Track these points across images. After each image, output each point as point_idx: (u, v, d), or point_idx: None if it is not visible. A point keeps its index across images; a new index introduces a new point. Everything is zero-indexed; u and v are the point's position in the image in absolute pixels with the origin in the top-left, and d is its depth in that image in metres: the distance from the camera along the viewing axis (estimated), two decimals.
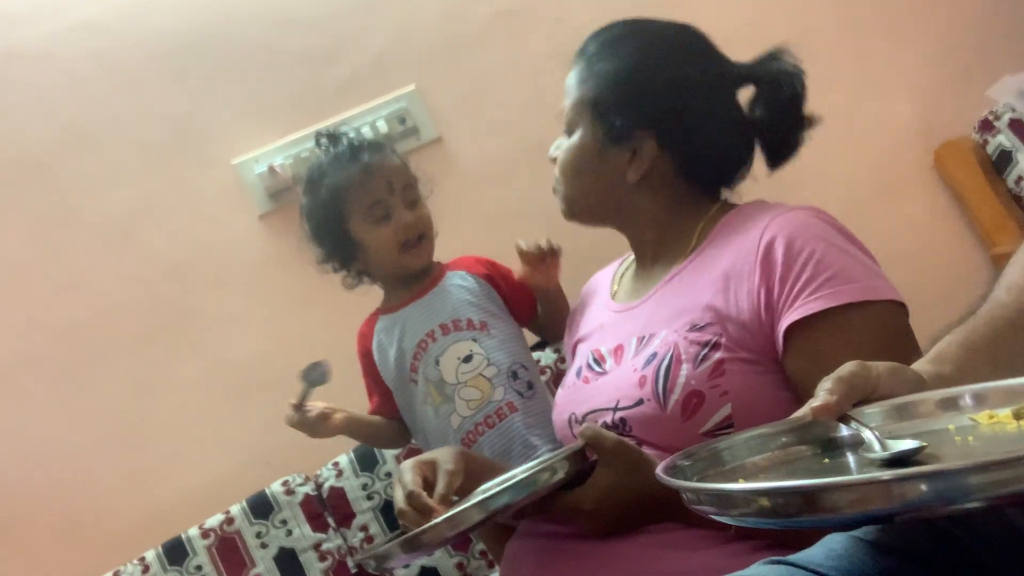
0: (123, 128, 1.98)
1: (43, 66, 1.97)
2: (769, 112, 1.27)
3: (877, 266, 1.12)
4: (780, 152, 1.29)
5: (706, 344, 1.11)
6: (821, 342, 1.05)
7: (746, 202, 1.27)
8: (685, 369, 1.10)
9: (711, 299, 1.13)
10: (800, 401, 1.04)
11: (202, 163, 1.99)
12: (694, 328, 1.13)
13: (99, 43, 1.98)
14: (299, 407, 1.49)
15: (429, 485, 1.11)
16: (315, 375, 1.49)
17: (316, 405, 1.50)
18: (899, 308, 1.08)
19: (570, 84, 1.31)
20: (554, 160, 1.34)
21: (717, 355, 1.09)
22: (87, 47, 1.97)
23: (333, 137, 1.56)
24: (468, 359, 1.47)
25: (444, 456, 1.16)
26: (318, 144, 1.57)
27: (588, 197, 1.31)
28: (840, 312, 1.04)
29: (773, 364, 1.09)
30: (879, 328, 1.05)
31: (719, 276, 1.15)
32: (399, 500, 1.09)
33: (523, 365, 1.52)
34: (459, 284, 1.55)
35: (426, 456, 1.18)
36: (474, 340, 1.48)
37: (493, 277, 1.58)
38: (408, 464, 1.15)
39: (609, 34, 1.30)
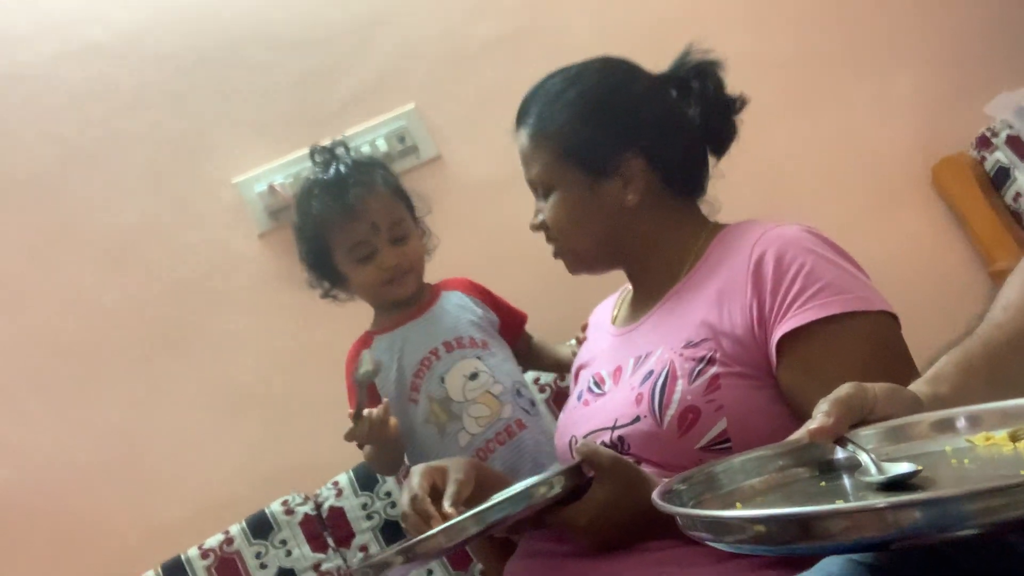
0: (124, 148, 1.99)
1: (45, 87, 1.98)
2: (701, 106, 1.30)
3: (868, 279, 1.13)
4: (722, 140, 1.33)
5: (701, 360, 1.11)
6: (814, 352, 1.05)
7: (737, 222, 1.28)
8: (681, 385, 1.11)
9: (705, 315, 1.15)
10: (794, 414, 1.06)
11: (202, 182, 1.99)
12: (689, 345, 1.14)
13: (100, 64, 1.99)
14: (358, 415, 1.34)
15: (438, 492, 1.12)
16: (367, 369, 1.35)
17: (372, 411, 1.36)
18: (891, 319, 1.09)
19: (528, 152, 1.30)
20: (539, 227, 1.33)
21: (712, 370, 1.10)
22: (88, 68, 1.99)
23: (326, 158, 1.54)
24: (474, 376, 1.46)
25: (455, 464, 1.18)
26: (312, 160, 1.56)
27: (595, 241, 1.29)
28: (832, 322, 1.05)
29: (768, 378, 1.10)
30: (871, 338, 1.07)
31: (712, 293, 1.16)
32: (404, 503, 1.11)
33: (523, 384, 1.53)
34: (457, 304, 1.55)
35: (437, 463, 1.19)
36: (478, 358, 1.48)
37: (487, 300, 1.59)
38: (418, 468, 1.16)
39: (545, 90, 1.31)
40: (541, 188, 1.31)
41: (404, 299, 1.52)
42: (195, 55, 2.01)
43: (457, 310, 1.54)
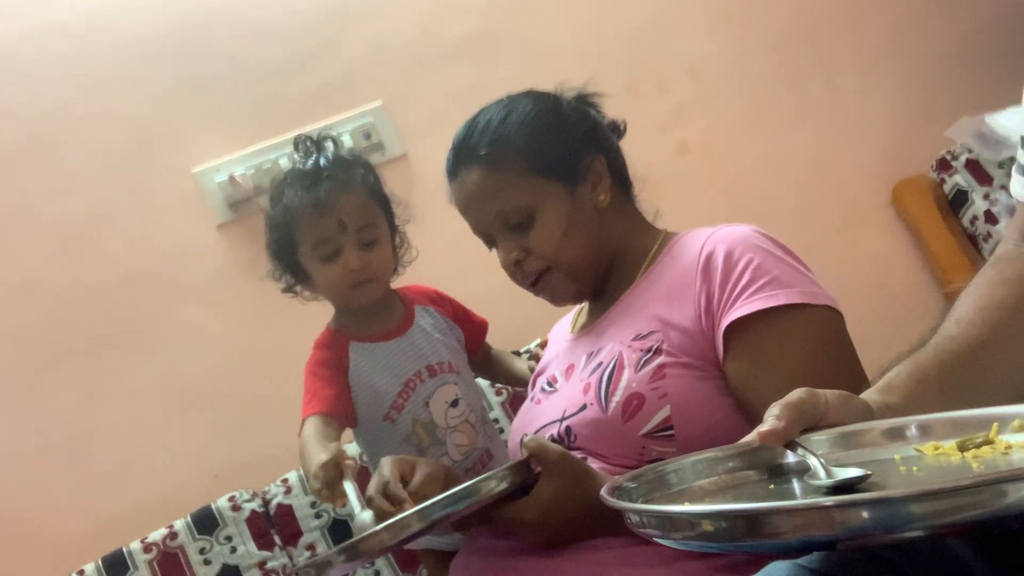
0: (84, 132, 1.95)
1: (4, 66, 1.94)
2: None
3: (814, 277, 1.14)
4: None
5: (648, 350, 1.13)
6: (760, 342, 1.07)
7: (692, 229, 1.29)
8: (627, 373, 1.12)
9: (655, 310, 1.16)
10: (739, 405, 1.08)
11: (162, 170, 1.97)
12: (638, 337, 1.15)
13: (63, 46, 1.96)
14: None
15: (406, 483, 1.13)
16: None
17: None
18: (836, 314, 1.11)
19: (486, 187, 1.24)
20: (519, 262, 1.26)
21: (659, 360, 1.11)
22: (51, 49, 1.95)
23: (309, 148, 1.47)
24: (455, 403, 1.44)
25: (424, 461, 1.18)
26: (296, 149, 1.48)
27: (586, 251, 1.25)
28: (778, 313, 1.07)
29: (714, 369, 1.11)
30: (816, 331, 1.08)
31: (663, 289, 1.18)
32: (372, 488, 1.10)
33: (485, 408, 1.53)
34: (431, 323, 1.51)
35: (408, 457, 1.19)
36: (455, 384, 1.45)
37: (455, 317, 1.55)
38: (389, 459, 1.16)
39: (483, 125, 1.26)
40: (515, 218, 1.23)
41: (365, 306, 1.45)
42: (159, 40, 1.98)
43: (432, 330, 1.50)
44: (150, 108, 1.98)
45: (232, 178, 1.94)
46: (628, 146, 1.35)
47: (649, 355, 1.12)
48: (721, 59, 2.16)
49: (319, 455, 1.19)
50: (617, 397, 1.11)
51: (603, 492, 0.70)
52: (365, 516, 1.12)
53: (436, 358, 1.46)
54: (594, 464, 1.10)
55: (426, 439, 1.42)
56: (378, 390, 1.42)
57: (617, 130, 1.34)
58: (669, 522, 0.61)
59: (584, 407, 1.15)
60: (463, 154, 1.27)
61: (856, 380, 1.03)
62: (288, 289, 1.50)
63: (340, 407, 1.39)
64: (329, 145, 1.48)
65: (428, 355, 1.45)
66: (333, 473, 1.16)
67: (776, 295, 1.07)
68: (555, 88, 1.32)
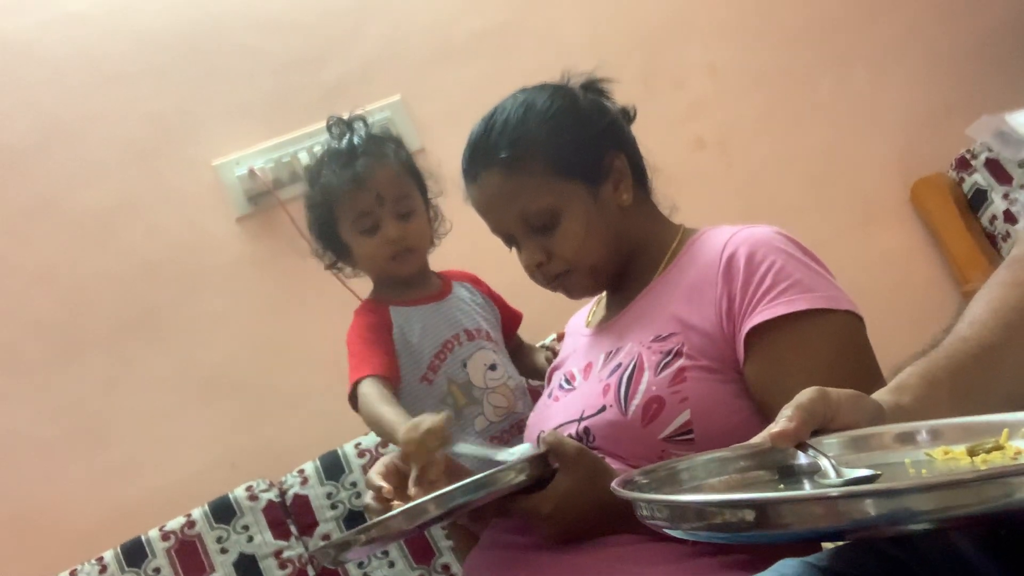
0: (104, 123, 1.97)
1: (26, 57, 1.96)
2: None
3: (835, 281, 1.14)
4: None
5: (669, 352, 1.13)
6: (780, 346, 1.07)
7: (712, 226, 1.28)
8: (647, 376, 1.12)
9: (675, 310, 1.16)
10: (759, 409, 1.08)
11: (182, 162, 1.98)
12: (658, 339, 1.15)
13: (84, 37, 1.97)
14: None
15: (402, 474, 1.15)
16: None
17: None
18: (857, 319, 1.11)
19: (507, 189, 1.23)
20: (539, 265, 1.25)
21: (679, 363, 1.11)
22: (72, 40, 1.97)
23: (342, 129, 1.51)
24: (493, 367, 1.47)
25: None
26: (329, 131, 1.53)
27: (608, 251, 1.25)
28: (799, 318, 1.07)
29: (733, 373, 1.11)
30: (837, 336, 1.08)
31: (684, 289, 1.17)
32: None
33: (524, 382, 1.54)
34: (470, 297, 1.55)
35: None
36: (493, 351, 1.49)
37: (492, 297, 1.60)
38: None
39: (501, 125, 1.24)
40: (538, 220, 1.22)
41: (406, 276, 1.49)
42: (180, 33, 2.00)
43: (470, 303, 1.54)
44: (170, 100, 1.99)
45: (252, 171, 1.95)
46: (644, 141, 1.34)
47: (669, 358, 1.12)
48: (738, 55, 2.15)
49: (416, 419, 1.16)
50: (637, 400, 1.11)
51: (613, 484, 0.71)
52: (520, 449, 1.10)
53: (473, 324, 1.50)
54: (612, 464, 1.10)
55: (462, 399, 1.45)
56: (417, 351, 1.46)
57: (627, 116, 1.33)
58: (678, 512, 0.62)
59: (603, 408, 1.15)
60: (481, 155, 1.26)
61: (875, 386, 1.01)
62: (331, 266, 1.55)
63: (393, 371, 1.41)
64: (360, 125, 1.53)
65: (465, 321, 1.49)
66: (437, 440, 1.13)
67: (797, 300, 1.07)
68: (562, 74, 1.31)
